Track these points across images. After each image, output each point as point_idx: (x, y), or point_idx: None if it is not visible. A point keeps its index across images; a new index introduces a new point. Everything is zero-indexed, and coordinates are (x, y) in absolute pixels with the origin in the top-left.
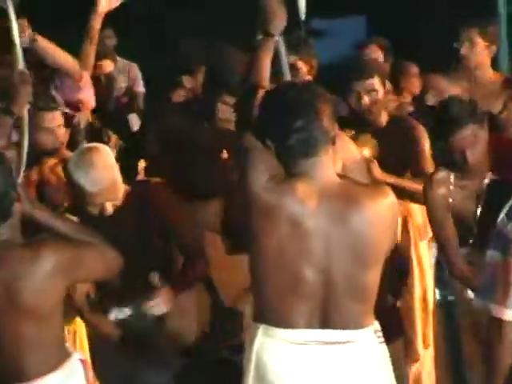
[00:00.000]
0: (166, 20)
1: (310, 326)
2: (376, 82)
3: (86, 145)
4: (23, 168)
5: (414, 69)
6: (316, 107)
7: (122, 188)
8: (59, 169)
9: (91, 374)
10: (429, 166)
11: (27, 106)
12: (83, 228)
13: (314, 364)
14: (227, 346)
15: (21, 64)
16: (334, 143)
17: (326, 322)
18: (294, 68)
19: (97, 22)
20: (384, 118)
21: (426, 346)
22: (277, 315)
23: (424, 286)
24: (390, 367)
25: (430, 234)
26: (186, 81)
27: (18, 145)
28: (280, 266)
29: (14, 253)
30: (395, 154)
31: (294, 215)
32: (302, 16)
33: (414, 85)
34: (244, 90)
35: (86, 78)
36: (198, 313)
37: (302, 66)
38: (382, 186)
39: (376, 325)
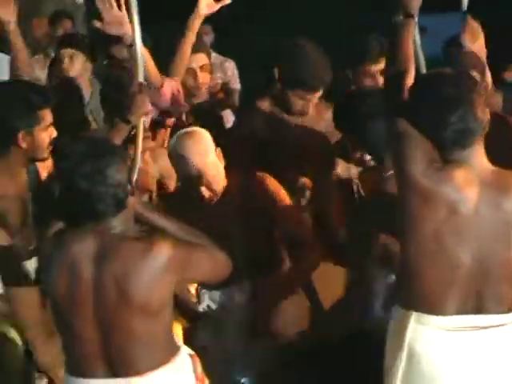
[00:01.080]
0: (255, 20)
1: (464, 311)
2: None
3: (185, 129)
4: (136, 174)
5: None
6: (471, 99)
7: (220, 174)
8: (146, 155)
9: (200, 369)
10: None
11: (143, 117)
12: (193, 230)
13: (469, 349)
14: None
15: (140, 75)
16: (486, 131)
17: (479, 307)
18: None
19: (195, 23)
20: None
21: None
22: (430, 302)
23: None
24: None
25: None
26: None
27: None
28: (436, 253)
29: (127, 246)
30: (495, 151)
31: (453, 202)
32: (465, 8)
33: None
34: (390, 72)
35: (167, 88)
36: (295, 311)
37: None
38: None
39: None
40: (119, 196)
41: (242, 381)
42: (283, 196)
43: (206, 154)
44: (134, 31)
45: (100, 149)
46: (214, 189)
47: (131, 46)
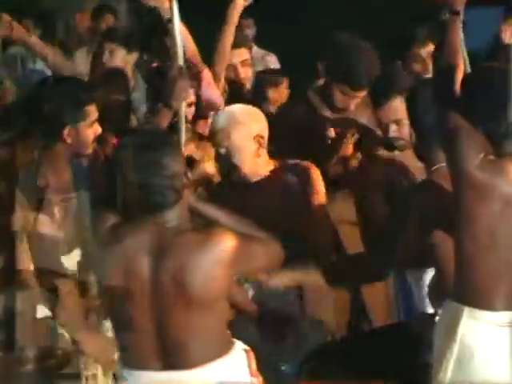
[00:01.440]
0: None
1: None
2: None
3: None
4: None
5: None
6: None
7: (249, 156)
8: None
9: (254, 365)
10: None
11: (184, 102)
12: (247, 222)
13: None
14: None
15: (180, 59)
16: None
17: None
18: None
19: (234, 15)
20: None
21: None
22: (483, 297)
23: None
24: None
25: None
26: None
27: None
28: (491, 247)
29: (184, 238)
30: None
31: (508, 195)
32: None
33: None
34: (439, 68)
35: (206, 76)
36: (337, 301)
37: None
38: None
39: None
40: (176, 187)
41: (284, 368)
42: (321, 189)
43: (230, 133)
44: (174, 12)
45: (156, 139)
46: (236, 165)
47: (170, 21)
